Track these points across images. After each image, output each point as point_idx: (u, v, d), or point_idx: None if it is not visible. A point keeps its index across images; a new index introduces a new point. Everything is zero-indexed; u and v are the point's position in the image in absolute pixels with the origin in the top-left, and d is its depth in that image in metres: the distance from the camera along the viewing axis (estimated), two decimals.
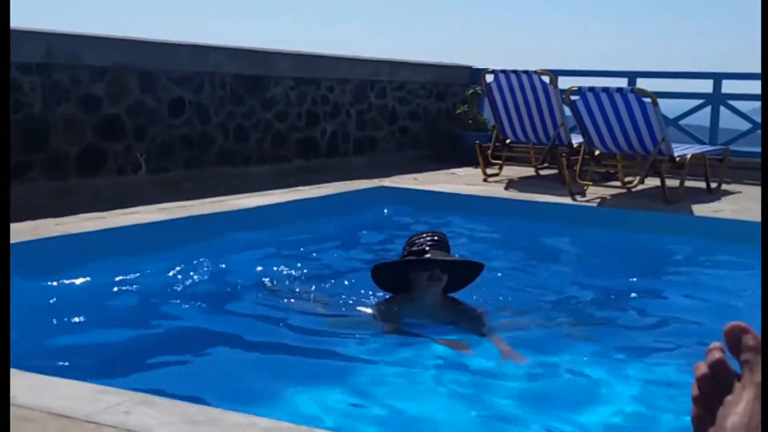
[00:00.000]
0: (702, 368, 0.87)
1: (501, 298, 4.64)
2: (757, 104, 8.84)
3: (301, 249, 5.64)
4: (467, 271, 4.00)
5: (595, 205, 6.94)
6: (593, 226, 6.60)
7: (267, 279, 4.81)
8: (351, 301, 4.30)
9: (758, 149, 9.42)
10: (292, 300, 4.48)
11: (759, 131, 9.20)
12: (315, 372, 3.46)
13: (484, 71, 8.41)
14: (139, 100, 6.81)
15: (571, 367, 3.61)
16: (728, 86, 9.18)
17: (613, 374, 3.56)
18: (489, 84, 8.23)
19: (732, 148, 8.49)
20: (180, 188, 6.67)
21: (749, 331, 0.85)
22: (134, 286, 4.48)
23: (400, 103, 9.73)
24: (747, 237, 6.13)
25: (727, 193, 7.70)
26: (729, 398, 0.84)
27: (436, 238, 3.91)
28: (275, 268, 5.08)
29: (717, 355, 0.86)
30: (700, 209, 6.78)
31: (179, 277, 4.68)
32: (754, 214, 6.57)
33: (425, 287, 3.89)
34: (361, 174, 8.01)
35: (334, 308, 4.24)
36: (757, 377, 0.83)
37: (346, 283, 4.85)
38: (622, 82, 9.25)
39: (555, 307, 4.70)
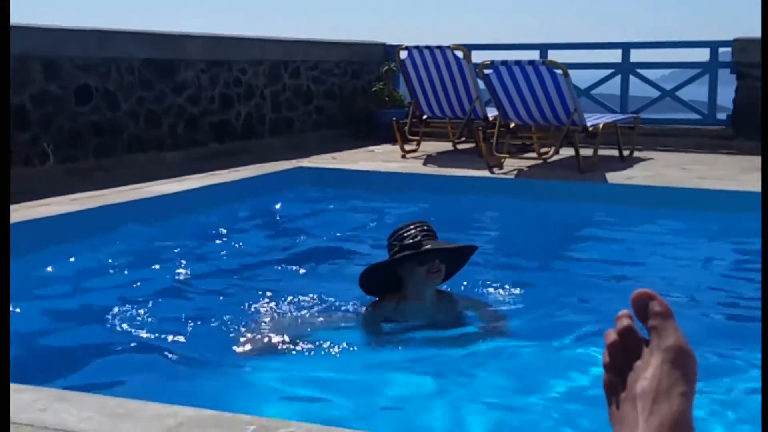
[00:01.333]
0: (611, 335, 0.88)
1: None
2: (666, 71, 9.04)
3: (219, 234, 5.55)
4: (461, 258, 3.70)
5: (512, 177, 7.01)
6: (511, 198, 6.67)
7: (185, 266, 4.71)
8: (278, 291, 4.24)
9: (668, 116, 9.66)
10: (214, 288, 4.41)
11: (668, 98, 9.42)
12: (241, 363, 3.40)
13: (398, 48, 8.39)
14: (44, 89, 6.59)
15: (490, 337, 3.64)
16: (636, 55, 9.36)
17: (536, 343, 3.59)
18: (403, 60, 8.22)
19: (642, 115, 8.67)
20: (91, 178, 6.49)
21: (656, 297, 0.86)
22: (47, 281, 4.34)
23: (315, 82, 9.65)
24: (659, 202, 6.29)
25: (639, 160, 7.87)
26: (638, 364, 0.85)
27: (425, 227, 3.58)
28: (193, 255, 4.99)
29: (625, 322, 0.87)
30: (613, 177, 6.91)
31: (93, 269, 4.56)
32: (666, 180, 6.73)
33: (425, 281, 3.54)
34: (279, 156, 7.93)
35: (266, 298, 4.16)
36: (665, 342, 0.84)
37: (276, 268, 4.80)
38: (534, 55, 9.34)
39: (478, 277, 4.73)
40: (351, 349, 3.41)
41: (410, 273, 3.53)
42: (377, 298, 3.71)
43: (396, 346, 3.46)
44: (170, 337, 3.55)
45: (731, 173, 7.04)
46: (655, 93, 9.49)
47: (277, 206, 6.56)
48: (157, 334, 3.58)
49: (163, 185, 6.17)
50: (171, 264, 4.72)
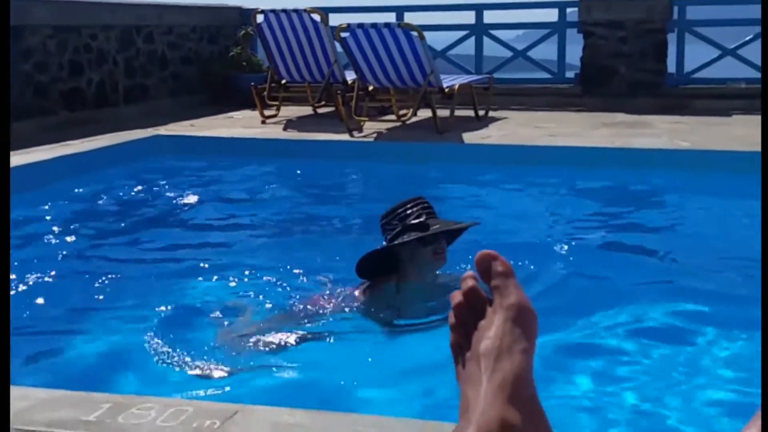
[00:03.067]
0: (457, 297, 0.90)
1: (295, 236, 4.67)
2: (520, 32, 9.26)
3: (74, 210, 5.38)
4: (458, 235, 3.48)
5: (372, 139, 7.08)
6: (372, 161, 6.75)
7: (41, 242, 4.56)
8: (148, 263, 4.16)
9: (521, 75, 9.95)
10: (77, 260, 4.29)
11: (521, 58, 9.68)
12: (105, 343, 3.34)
13: (254, 12, 8.29)
14: None
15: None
16: (489, 16, 9.57)
17: None
18: (259, 24, 8.13)
19: (496, 76, 8.90)
20: None
21: (498, 258, 0.88)
22: None
23: (171, 48, 9.41)
24: (513, 159, 6.50)
25: (494, 119, 8.09)
26: (482, 323, 0.87)
27: (425, 204, 3.33)
28: (50, 230, 4.83)
29: (470, 283, 0.89)
30: (470, 137, 7.09)
31: None
32: (519, 139, 6.97)
33: (431, 262, 3.31)
34: (135, 124, 7.72)
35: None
36: (507, 301, 0.86)
37: (140, 239, 4.70)
38: (391, 17, 9.42)
39: (343, 239, 4.79)
40: (356, 336, 3.19)
41: (412, 254, 3.28)
42: (368, 282, 3.42)
43: (405, 329, 3.26)
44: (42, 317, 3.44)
45: (580, 130, 7.35)
46: (508, 53, 9.75)
47: (136, 176, 6.41)
48: (25, 316, 3.46)
49: (11, 157, 5.91)
50: (25, 238, 4.55)
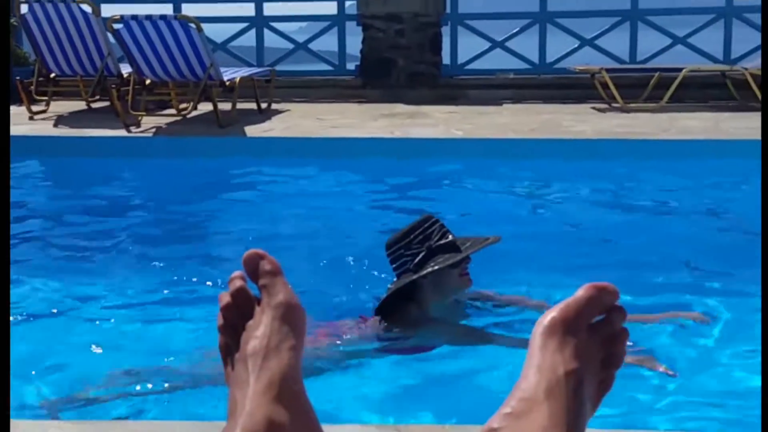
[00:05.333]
0: (225, 298, 0.89)
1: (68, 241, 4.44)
2: (304, 24, 9.28)
3: None
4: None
5: (150, 135, 6.87)
6: (152, 157, 6.54)
7: None
8: None
9: (303, 68, 9.98)
10: None
11: (302, 51, 9.70)
12: None
13: (18, 1, 7.79)
14: None
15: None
16: (270, 8, 9.51)
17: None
18: (24, 15, 7.65)
19: (278, 68, 8.88)
20: None
21: (265, 256, 0.88)
22: None
23: None
24: (298, 152, 6.51)
25: (277, 112, 8.07)
26: (250, 323, 0.87)
27: (440, 222, 3.01)
28: None
29: (238, 283, 0.88)
30: (252, 130, 7.03)
31: None
32: (303, 131, 7.00)
33: (456, 286, 3.04)
34: None
35: None
36: (274, 299, 0.87)
37: None
38: (168, 9, 9.15)
39: (127, 242, 4.61)
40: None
41: (438, 278, 2.96)
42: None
43: (433, 354, 3.00)
44: None
45: (360, 121, 7.48)
46: (290, 46, 9.75)
47: None
48: None
49: None
50: None
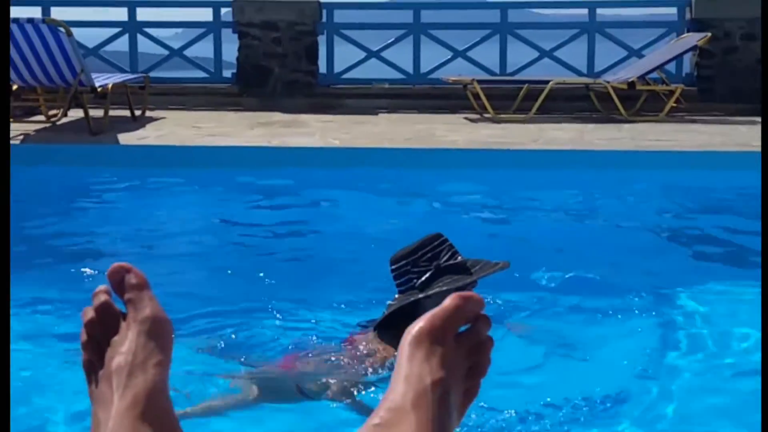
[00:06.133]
0: (89, 313, 0.87)
1: None
2: (180, 30, 9.15)
3: None
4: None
5: (18, 142, 6.64)
6: (19, 165, 6.29)
7: None
8: None
9: (179, 74, 9.85)
10: None
11: (177, 57, 9.57)
12: None
13: None
14: None
15: None
16: (144, 14, 9.36)
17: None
18: None
19: (153, 74, 8.73)
20: None
21: (132, 270, 0.86)
22: None
23: None
24: (173, 161, 6.42)
25: (152, 119, 7.94)
26: (115, 339, 0.85)
27: (448, 241, 2.94)
28: None
29: (102, 298, 0.86)
30: (126, 138, 6.91)
31: None
32: (178, 139, 6.92)
33: None
34: None
35: None
36: (141, 314, 0.85)
37: None
38: (36, 12, 8.87)
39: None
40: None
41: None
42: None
43: None
44: None
45: (237, 129, 7.45)
46: (165, 52, 9.61)
47: None
48: None
49: None
50: None
